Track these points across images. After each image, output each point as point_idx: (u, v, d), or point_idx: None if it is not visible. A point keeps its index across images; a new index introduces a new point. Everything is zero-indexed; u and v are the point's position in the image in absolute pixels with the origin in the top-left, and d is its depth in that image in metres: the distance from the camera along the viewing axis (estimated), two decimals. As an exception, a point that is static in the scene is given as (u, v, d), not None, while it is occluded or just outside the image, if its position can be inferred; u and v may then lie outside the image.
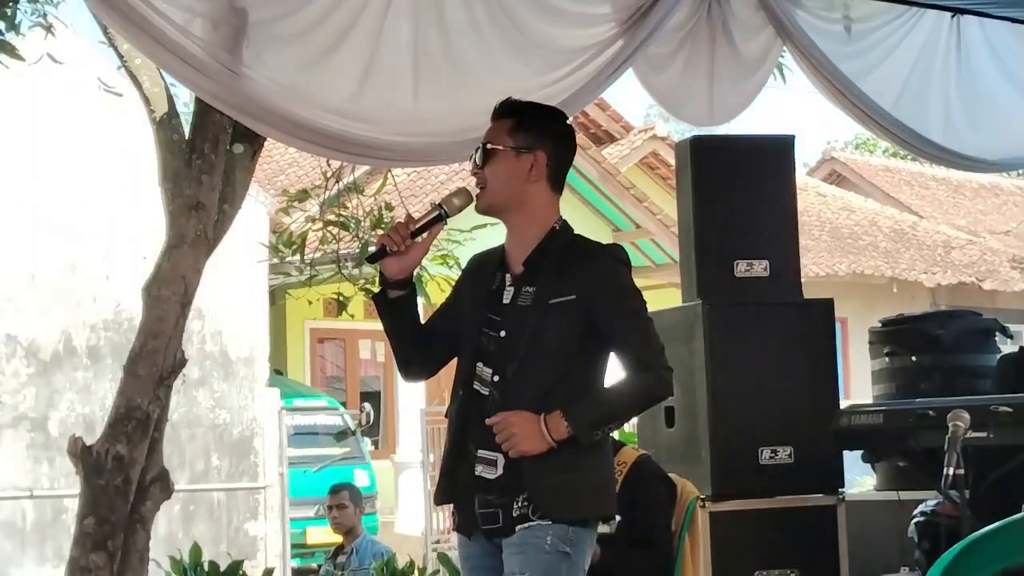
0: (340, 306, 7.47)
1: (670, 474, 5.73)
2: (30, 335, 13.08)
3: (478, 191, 3.93)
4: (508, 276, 3.94)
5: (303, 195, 7.90)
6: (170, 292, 5.26)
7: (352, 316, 7.96)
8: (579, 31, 5.33)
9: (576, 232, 3.99)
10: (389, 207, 7.57)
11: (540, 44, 5.24)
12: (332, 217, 7.58)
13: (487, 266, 4.01)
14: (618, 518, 5.05)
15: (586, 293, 3.83)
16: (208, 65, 4.54)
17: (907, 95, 6.18)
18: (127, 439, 5.15)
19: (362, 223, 7.48)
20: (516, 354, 3.82)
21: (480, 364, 3.89)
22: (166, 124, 5.47)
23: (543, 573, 3.73)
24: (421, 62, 5.00)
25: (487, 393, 3.86)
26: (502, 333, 3.87)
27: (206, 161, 5.33)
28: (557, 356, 3.81)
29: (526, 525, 3.76)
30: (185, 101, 5.60)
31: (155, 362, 5.21)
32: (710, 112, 5.81)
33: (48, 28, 6.38)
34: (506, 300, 3.91)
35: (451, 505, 3.99)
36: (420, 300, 7.67)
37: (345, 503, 9.30)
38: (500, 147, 3.92)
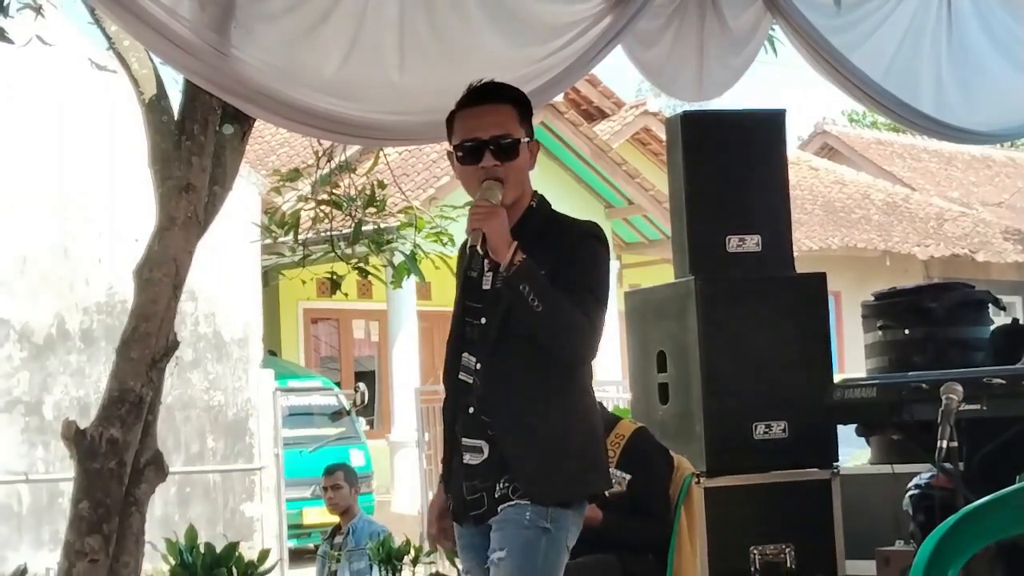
0: (334, 285, 7.45)
1: (665, 450, 5.75)
2: (23, 319, 13.06)
3: (494, 184, 3.78)
4: (487, 261, 3.87)
5: (295, 175, 7.86)
6: (161, 274, 5.24)
7: (346, 295, 7.93)
8: (567, 7, 5.31)
9: (563, 210, 3.94)
10: (382, 185, 7.55)
11: (528, 21, 5.22)
12: (324, 196, 7.56)
13: (466, 252, 3.97)
14: (627, 476, 5.06)
15: (555, 267, 3.74)
16: (196, 46, 4.52)
17: (896, 66, 6.17)
18: (121, 422, 5.14)
19: (355, 201, 7.46)
20: (492, 340, 3.80)
21: (466, 353, 3.87)
22: (155, 106, 5.44)
23: (522, 547, 3.73)
24: (409, 40, 4.98)
25: (471, 382, 3.85)
26: (482, 320, 3.84)
27: (196, 143, 5.31)
28: (533, 342, 3.74)
29: (507, 504, 3.77)
30: (180, 89, 5.58)
31: (147, 345, 5.20)
32: (699, 87, 5.79)
33: (38, 10, 6.35)
34: (486, 286, 3.86)
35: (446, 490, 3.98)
36: (414, 278, 7.72)
37: (340, 483, 9.31)
38: (520, 138, 3.84)
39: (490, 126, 3.83)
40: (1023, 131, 7.08)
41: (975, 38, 6.40)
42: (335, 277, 7.39)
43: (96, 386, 12.14)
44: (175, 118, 5.41)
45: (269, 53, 4.73)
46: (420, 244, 7.60)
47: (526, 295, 3.69)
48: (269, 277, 15.29)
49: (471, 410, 3.85)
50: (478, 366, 3.84)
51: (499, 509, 3.78)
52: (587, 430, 3.87)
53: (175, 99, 5.49)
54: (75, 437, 5.18)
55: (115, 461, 5.14)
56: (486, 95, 3.89)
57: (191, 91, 5.31)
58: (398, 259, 7.61)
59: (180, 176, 5.30)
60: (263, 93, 4.73)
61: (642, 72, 5.76)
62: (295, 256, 7.60)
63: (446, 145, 4.02)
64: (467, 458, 3.85)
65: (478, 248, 3.80)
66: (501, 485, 3.78)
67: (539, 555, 3.74)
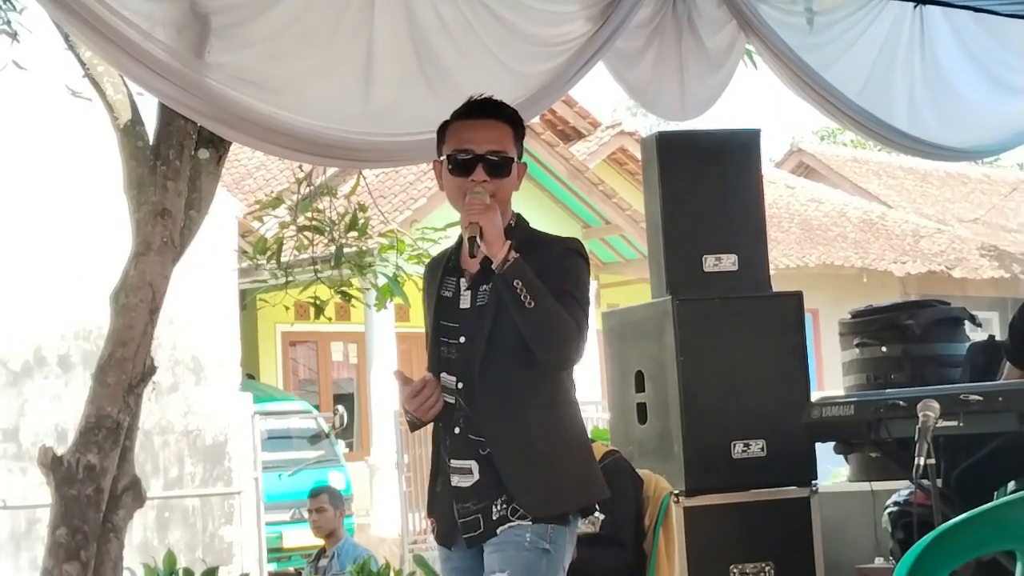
0: (317, 310, 7.44)
1: (643, 469, 5.75)
2: (-1, 345, 13.02)
3: (483, 196, 3.76)
4: (463, 280, 3.87)
5: (276, 202, 7.85)
6: (138, 299, 5.24)
7: (330, 320, 7.91)
8: (547, 28, 5.33)
9: (540, 229, 3.93)
10: (363, 208, 7.55)
11: (508, 41, 5.24)
12: (305, 222, 7.55)
13: (435, 273, 3.95)
14: (602, 516, 5.05)
15: (539, 277, 3.69)
16: (172, 70, 4.52)
17: (871, 84, 6.20)
18: (98, 448, 5.13)
19: (337, 225, 7.46)
20: (478, 357, 3.78)
21: (444, 374, 3.84)
22: (130, 131, 5.44)
23: (523, 569, 3.71)
24: (390, 61, 4.99)
25: (454, 402, 3.82)
26: (462, 339, 3.82)
27: (171, 167, 5.31)
28: (519, 355, 3.73)
29: (507, 526, 3.74)
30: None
31: (124, 370, 5.19)
32: (682, 106, 5.82)
33: (13, 35, 6.35)
34: (464, 305, 3.84)
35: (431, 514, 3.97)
36: (397, 299, 7.71)
37: (325, 506, 9.29)
38: (513, 157, 3.83)
39: (485, 141, 3.81)
40: (1000, 148, 7.09)
41: (950, 56, 6.44)
42: (319, 303, 7.38)
43: (73, 412, 12.08)
44: (150, 143, 5.41)
45: (245, 77, 4.73)
46: (402, 266, 7.61)
47: (519, 291, 3.67)
48: (247, 300, 15.27)
49: (457, 431, 3.83)
50: (460, 385, 3.82)
51: (497, 531, 3.75)
52: (581, 441, 3.88)
53: (150, 124, 5.49)
54: (52, 463, 5.16)
55: (92, 487, 5.12)
56: (485, 110, 3.87)
57: (166, 116, 5.31)
58: (380, 281, 7.61)
59: (156, 201, 5.30)
60: (239, 116, 4.73)
61: (627, 92, 5.81)
62: (277, 281, 7.59)
63: (423, 167, 4.02)
64: (456, 480, 3.81)
65: (477, 239, 3.72)
66: (498, 506, 3.75)
67: None
